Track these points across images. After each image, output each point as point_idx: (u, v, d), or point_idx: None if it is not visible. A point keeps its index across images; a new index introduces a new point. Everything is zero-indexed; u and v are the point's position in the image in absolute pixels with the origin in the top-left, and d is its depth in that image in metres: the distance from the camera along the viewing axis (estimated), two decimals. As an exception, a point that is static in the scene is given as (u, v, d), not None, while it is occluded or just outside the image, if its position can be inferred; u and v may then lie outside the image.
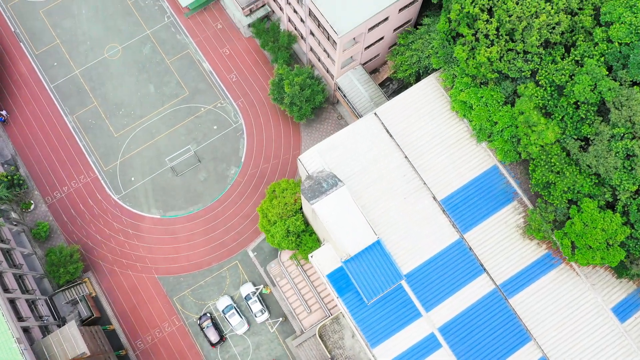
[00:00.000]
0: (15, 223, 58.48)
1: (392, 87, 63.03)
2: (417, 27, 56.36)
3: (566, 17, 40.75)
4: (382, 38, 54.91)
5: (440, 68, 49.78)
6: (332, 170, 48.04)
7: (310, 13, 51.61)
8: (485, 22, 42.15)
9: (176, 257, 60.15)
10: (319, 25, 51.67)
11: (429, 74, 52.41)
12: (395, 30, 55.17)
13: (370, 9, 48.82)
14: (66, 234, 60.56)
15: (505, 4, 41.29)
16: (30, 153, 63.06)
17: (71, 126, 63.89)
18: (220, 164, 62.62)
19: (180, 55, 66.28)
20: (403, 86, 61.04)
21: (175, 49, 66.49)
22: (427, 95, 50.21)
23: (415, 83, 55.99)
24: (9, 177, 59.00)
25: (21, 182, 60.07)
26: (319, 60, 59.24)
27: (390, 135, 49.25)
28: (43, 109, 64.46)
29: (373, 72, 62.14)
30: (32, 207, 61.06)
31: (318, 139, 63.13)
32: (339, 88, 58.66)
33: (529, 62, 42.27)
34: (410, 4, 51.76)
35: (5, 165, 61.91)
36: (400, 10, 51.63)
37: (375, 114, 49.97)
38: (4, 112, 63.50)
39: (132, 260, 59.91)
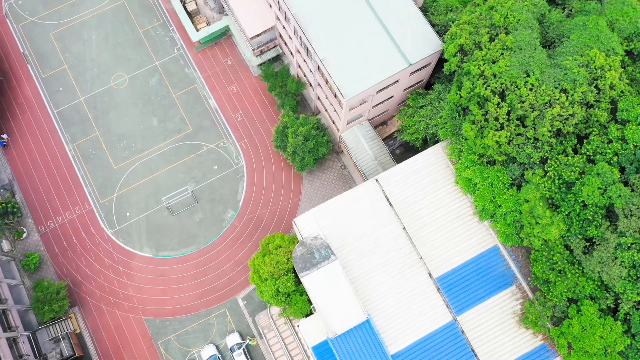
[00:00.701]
0: (5, 252, 57.76)
1: (400, 140, 61.43)
2: (429, 87, 54.79)
3: (581, 109, 38.98)
4: (391, 97, 53.41)
5: (448, 138, 48.18)
6: (327, 236, 46.59)
7: (319, 68, 50.26)
8: (496, 106, 40.48)
9: (164, 299, 59.01)
10: (327, 82, 50.32)
11: (436, 142, 50.82)
12: (405, 89, 53.66)
13: (381, 73, 47.35)
14: (56, 265, 59.70)
15: (519, 90, 39.58)
16: (28, 179, 62.33)
17: (71, 155, 63.07)
18: (217, 206, 61.42)
19: (187, 89, 65.23)
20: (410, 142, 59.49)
21: (182, 83, 65.45)
22: (432, 165, 48.58)
23: (421, 146, 54.42)
24: (3, 205, 58.29)
25: (15, 209, 59.32)
26: (326, 110, 57.88)
27: (390, 204, 47.67)
28: (44, 135, 63.74)
29: (381, 124, 60.62)
30: (25, 235, 60.30)
31: (319, 187, 61.74)
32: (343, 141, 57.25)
33: (539, 150, 40.52)
34: (422, 68, 50.24)
35: (2, 190, 61.26)
36: (412, 73, 50.11)
37: (376, 180, 48.44)
38: (4, 136, 62.87)
39: (119, 299, 58.85)
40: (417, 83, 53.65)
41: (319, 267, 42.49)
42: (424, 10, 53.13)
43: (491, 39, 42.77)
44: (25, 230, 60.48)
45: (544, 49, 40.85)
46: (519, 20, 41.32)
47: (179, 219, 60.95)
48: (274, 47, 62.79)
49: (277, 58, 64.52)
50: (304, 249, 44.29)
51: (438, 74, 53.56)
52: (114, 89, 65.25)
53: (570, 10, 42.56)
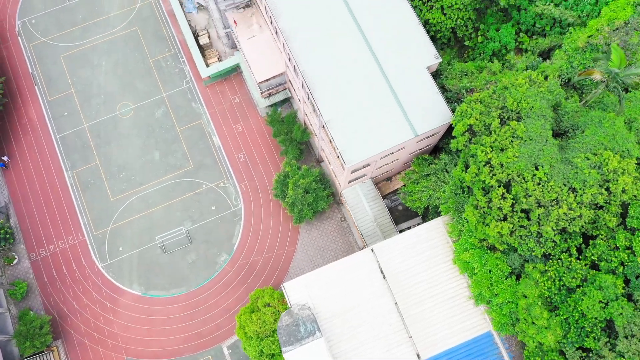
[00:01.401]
0: (-6, 278, 57.17)
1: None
2: (437, 151, 53.16)
3: (589, 211, 37.14)
4: (396, 159, 51.86)
5: (449, 213, 46.51)
6: (316, 305, 45.12)
7: (324, 127, 48.90)
8: (501, 197, 38.76)
9: (149, 341, 57.93)
10: (330, 141, 48.93)
11: (438, 214, 49.17)
12: (412, 153, 52.08)
13: (386, 141, 45.85)
14: (44, 295, 58.92)
15: (525, 183, 37.86)
16: (24, 204, 61.70)
17: (69, 182, 62.34)
18: (211, 248, 60.25)
19: (191, 124, 64.23)
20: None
21: (188, 117, 64.46)
22: (431, 240, 46.92)
23: (423, 212, 52.82)
24: (-4, 230, 57.73)
25: (8, 235, 58.68)
26: (329, 162, 56.46)
27: (384, 277, 46.09)
28: (45, 160, 63.08)
29: (386, 179, 59.05)
30: (15, 261, 59.64)
31: (317, 238, 60.30)
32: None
33: (542, 245, 38.71)
34: (430, 135, 48.64)
35: (-3, 213, 60.79)
36: (419, 140, 48.54)
37: (372, 250, 46.91)
38: (5, 158, 62.31)
39: (104, 336, 57.91)
40: (425, 147, 52.07)
41: (303, 344, 41.08)
42: (438, 73, 51.59)
43: (502, 121, 41.10)
44: (16, 256, 59.82)
45: (555, 140, 39.09)
46: (533, 107, 39.61)
47: (172, 258, 59.89)
48: (283, 90, 61.57)
49: (286, 100, 63.32)
50: (290, 319, 42.91)
51: (447, 139, 51.93)
52: (119, 118, 64.47)
53: (587, 102, 40.72)
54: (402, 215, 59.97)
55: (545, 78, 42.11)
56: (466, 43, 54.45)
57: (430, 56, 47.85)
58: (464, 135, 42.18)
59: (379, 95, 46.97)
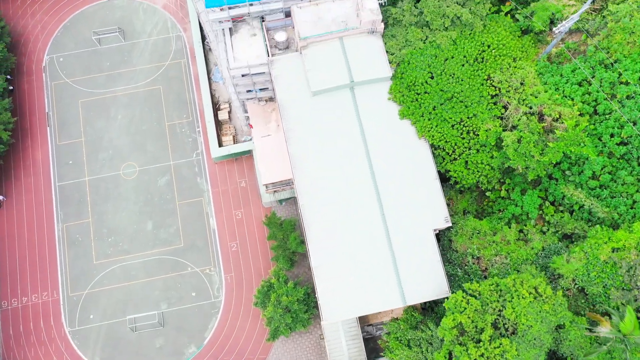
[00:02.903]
0: (-40, 322, 56.08)
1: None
2: (430, 310, 49.48)
3: None
4: (384, 306, 48.43)
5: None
6: None
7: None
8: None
9: (97, 421, 56.04)
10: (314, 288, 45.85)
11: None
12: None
13: (370, 306, 42.56)
14: (5, 349, 57.57)
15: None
16: (8, 247, 60.47)
17: (58, 235, 60.91)
18: (181, 337, 57.82)
19: (192, 200, 62.01)
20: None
21: (190, 192, 62.25)
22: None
23: None
24: (-28, 275, 56.65)
25: (-16, 280, 57.70)
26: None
27: None
28: (39, 206, 61.80)
29: (374, 307, 55.58)
30: (-14, 306, 58.68)
31: (291, 351, 57.23)
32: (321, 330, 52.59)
33: None
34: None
35: (-20, 251, 59.77)
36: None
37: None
38: (1, 197, 61.38)
39: (54, 405, 56.32)
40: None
41: None
42: (446, 229, 47.83)
43: (495, 327, 37.29)
44: (-13, 301, 58.84)
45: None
46: (531, 327, 35.70)
47: (140, 338, 57.73)
48: (290, 189, 58.77)
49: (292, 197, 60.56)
50: None
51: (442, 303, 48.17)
52: (122, 178, 62.74)
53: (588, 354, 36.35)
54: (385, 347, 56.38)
55: (554, 288, 38.11)
56: (487, 194, 50.54)
57: (440, 219, 44.31)
58: (452, 330, 38.47)
59: (375, 250, 43.65)
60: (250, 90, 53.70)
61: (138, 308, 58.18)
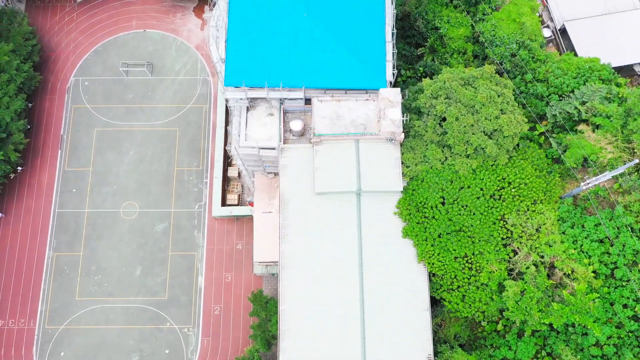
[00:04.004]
0: None
1: None
2: None
3: None
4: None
5: None
6: None
7: None
8: None
9: None
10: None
11: None
12: None
13: None
14: (-28, 369, 57.43)
15: None
16: (-3, 266, 60.43)
17: (47, 262, 60.27)
18: (146, 394, 56.64)
19: (185, 253, 60.55)
20: None
21: (184, 245, 60.79)
22: None
23: None
24: (-46, 291, 56.45)
25: (-35, 297, 57.50)
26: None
27: None
28: (35, 230, 61.25)
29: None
30: (-37, 323, 58.46)
31: None
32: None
33: None
34: None
35: (-31, 265, 59.64)
36: None
37: None
38: (0, 214, 61.28)
39: None
40: None
41: None
42: None
43: None
44: (-35, 318, 58.62)
45: None
46: None
47: (105, 386, 56.74)
48: (284, 265, 56.72)
49: (286, 270, 58.44)
50: None
51: None
52: (120, 217, 61.72)
53: None
54: None
55: None
56: (483, 324, 47.39)
57: (422, 356, 41.51)
58: None
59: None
60: (258, 165, 51.92)
61: (110, 355, 57.00)
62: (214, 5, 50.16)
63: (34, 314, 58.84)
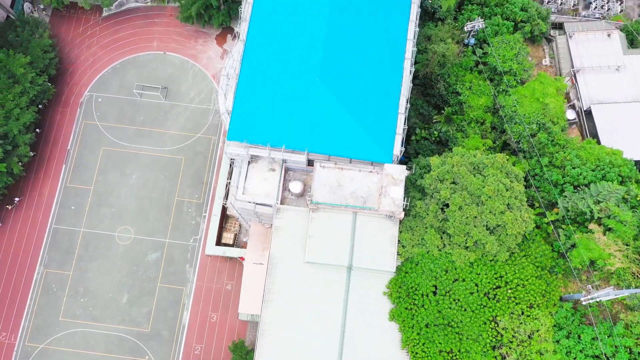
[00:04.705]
0: None
1: None
2: None
3: None
4: None
5: None
6: None
7: None
8: None
9: None
10: None
11: None
12: None
13: None
14: (-51, 377, 57.33)
15: None
16: (-13, 275, 60.29)
17: (36, 277, 59.86)
18: None
19: (173, 287, 59.61)
20: None
21: (174, 278, 59.87)
22: None
23: None
24: (-59, 296, 56.43)
25: (-49, 304, 57.43)
26: None
27: None
28: (29, 242, 60.92)
29: None
30: (-55, 328, 58.40)
31: None
32: None
33: None
34: None
35: (-40, 270, 59.61)
36: None
37: None
38: (16, 199, 61.19)
39: None
40: None
41: None
42: None
43: None
44: (-51, 324, 58.56)
45: None
46: None
47: (75, 413, 56.10)
48: (270, 315, 55.38)
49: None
50: None
51: None
52: (115, 241, 61.05)
53: None
54: None
55: None
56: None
57: None
58: None
59: None
60: (255, 217, 50.69)
61: (84, 383, 56.51)
62: (234, 37, 48.71)
63: (16, 329, 58.53)
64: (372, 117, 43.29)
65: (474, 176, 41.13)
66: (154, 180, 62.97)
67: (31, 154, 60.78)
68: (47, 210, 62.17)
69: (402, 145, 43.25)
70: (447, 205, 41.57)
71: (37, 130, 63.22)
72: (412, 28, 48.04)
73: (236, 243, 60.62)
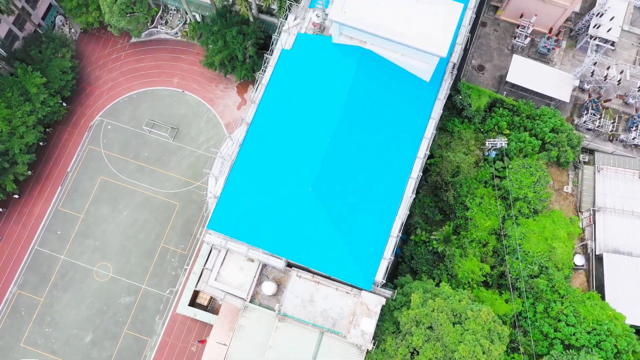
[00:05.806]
0: None
1: None
2: None
3: None
4: None
5: None
6: None
7: None
8: None
9: None
10: None
11: None
12: None
13: None
14: None
15: None
16: (-40, 284, 59.89)
17: (7, 297, 59.12)
18: None
19: (139, 336, 58.13)
20: None
21: (142, 327, 58.41)
22: None
23: None
24: None
25: None
26: None
27: None
28: (8, 259, 60.21)
29: None
30: None
31: None
32: None
33: None
34: None
35: (-63, 273, 59.34)
36: None
37: None
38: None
39: None
40: None
41: None
42: None
43: None
44: None
45: None
46: None
47: None
48: None
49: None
50: None
51: None
52: (92, 276, 59.91)
53: None
54: None
55: None
56: None
57: None
58: None
59: None
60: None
61: (30, 415, 55.54)
62: (257, 88, 46.29)
63: (-23, 345, 58.07)
64: (361, 237, 40.72)
65: (453, 325, 38.25)
66: (143, 221, 61.63)
67: (28, 173, 60.15)
68: (33, 230, 61.43)
69: (386, 272, 40.61)
70: (418, 353, 38.78)
71: (41, 143, 62.72)
72: (432, 126, 45.13)
73: (211, 305, 58.83)
